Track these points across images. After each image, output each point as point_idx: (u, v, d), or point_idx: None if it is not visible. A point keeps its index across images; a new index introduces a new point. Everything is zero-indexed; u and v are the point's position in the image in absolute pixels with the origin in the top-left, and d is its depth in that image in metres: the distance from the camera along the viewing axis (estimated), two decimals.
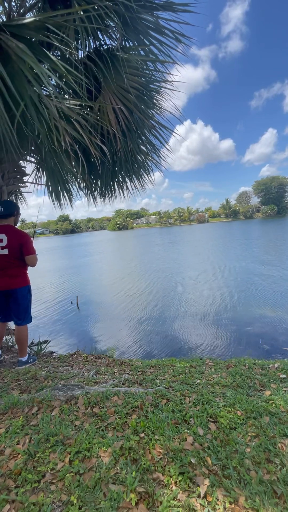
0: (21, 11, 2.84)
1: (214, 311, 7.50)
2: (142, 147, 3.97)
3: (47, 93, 2.34)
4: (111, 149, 3.52)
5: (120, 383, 2.41)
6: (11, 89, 2.10)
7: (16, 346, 3.21)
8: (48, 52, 2.28)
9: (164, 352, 5.34)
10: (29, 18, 2.26)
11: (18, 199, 4.31)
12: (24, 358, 3.02)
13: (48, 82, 2.17)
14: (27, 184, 3.69)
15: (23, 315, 2.90)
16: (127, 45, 3.25)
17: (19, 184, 3.54)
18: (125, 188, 4.45)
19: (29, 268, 2.97)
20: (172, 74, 3.39)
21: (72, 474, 1.31)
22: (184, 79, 3.42)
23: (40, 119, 2.32)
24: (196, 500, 1.20)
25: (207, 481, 1.28)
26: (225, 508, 1.17)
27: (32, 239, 2.98)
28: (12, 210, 2.85)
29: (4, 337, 3.60)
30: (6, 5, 2.66)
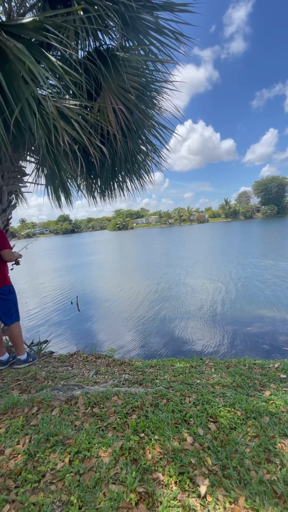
0: (21, 11, 2.84)
1: (220, 309, 7.51)
2: (142, 147, 3.97)
3: (45, 93, 2.33)
4: (111, 149, 3.52)
5: (120, 383, 2.41)
6: (6, 89, 2.10)
7: None
8: (47, 53, 2.28)
9: (164, 352, 5.34)
10: (27, 18, 2.25)
11: (18, 199, 4.31)
12: (23, 357, 3.01)
13: (46, 83, 2.16)
14: (27, 184, 3.69)
15: (7, 315, 2.88)
16: (127, 45, 3.25)
17: (19, 184, 3.54)
18: (125, 188, 4.45)
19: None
20: (173, 75, 3.39)
21: (72, 474, 1.31)
22: (186, 79, 3.42)
23: (37, 119, 2.31)
24: (196, 500, 1.20)
25: (207, 481, 1.28)
26: (225, 508, 1.17)
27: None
28: None
29: (4, 337, 3.61)
30: (6, 5, 2.66)
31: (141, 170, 4.19)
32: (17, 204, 3.86)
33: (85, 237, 71.45)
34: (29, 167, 4.34)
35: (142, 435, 1.58)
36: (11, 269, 3.11)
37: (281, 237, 25.37)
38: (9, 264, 3.06)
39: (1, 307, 2.86)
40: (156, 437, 1.57)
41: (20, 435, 1.58)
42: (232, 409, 1.86)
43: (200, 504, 1.18)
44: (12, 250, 2.94)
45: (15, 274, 3.30)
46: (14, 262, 3.08)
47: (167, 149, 3.99)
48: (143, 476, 1.30)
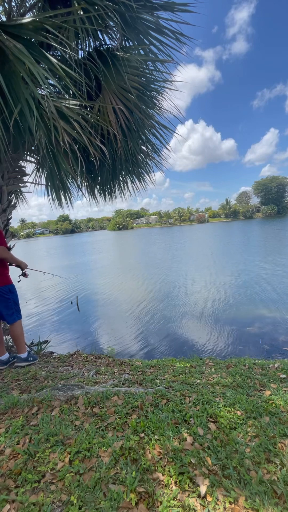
0: (21, 11, 2.84)
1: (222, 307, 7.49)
2: (142, 147, 3.97)
3: (45, 93, 2.33)
4: (111, 149, 3.52)
5: (120, 383, 2.41)
6: (6, 90, 2.10)
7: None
8: (47, 53, 2.28)
9: (164, 351, 5.34)
10: (27, 18, 2.26)
11: (18, 199, 4.31)
12: (24, 355, 3.01)
13: (45, 83, 2.16)
14: (27, 184, 3.69)
15: (8, 315, 2.87)
16: (127, 45, 3.25)
17: (19, 184, 3.54)
18: (125, 188, 4.45)
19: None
20: (173, 75, 3.39)
21: (72, 474, 1.31)
22: (187, 79, 3.42)
23: (37, 119, 2.31)
24: (196, 500, 1.20)
25: (207, 481, 1.28)
26: (225, 508, 1.17)
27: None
28: None
29: (5, 337, 3.61)
30: (6, 5, 2.66)
31: (141, 170, 4.19)
32: (17, 204, 3.86)
33: (86, 236, 71.33)
34: (29, 167, 4.35)
35: (142, 435, 1.58)
36: (18, 281, 3.11)
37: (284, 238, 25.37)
38: (16, 276, 3.08)
39: (2, 306, 2.87)
40: (156, 437, 1.57)
41: (20, 435, 1.59)
42: (232, 409, 1.86)
43: (200, 504, 1.18)
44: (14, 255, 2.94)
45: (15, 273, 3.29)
46: (20, 274, 3.11)
47: (168, 149, 3.99)
48: (143, 476, 1.30)
